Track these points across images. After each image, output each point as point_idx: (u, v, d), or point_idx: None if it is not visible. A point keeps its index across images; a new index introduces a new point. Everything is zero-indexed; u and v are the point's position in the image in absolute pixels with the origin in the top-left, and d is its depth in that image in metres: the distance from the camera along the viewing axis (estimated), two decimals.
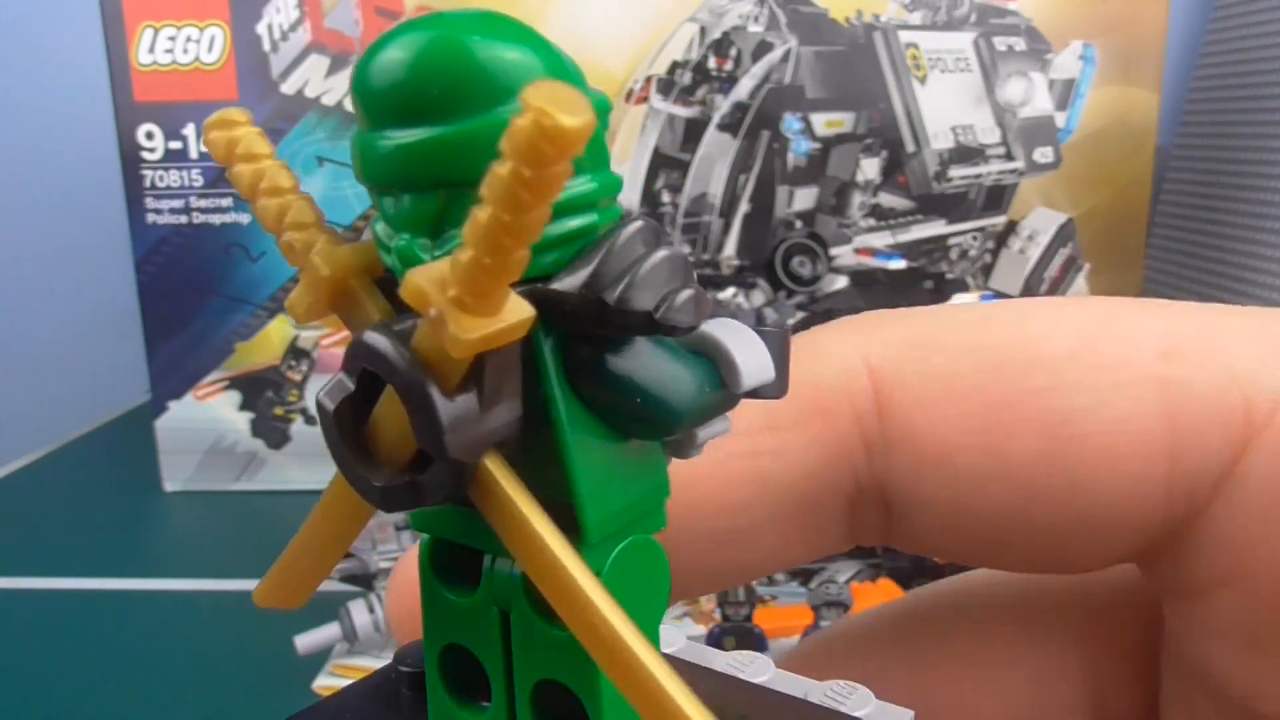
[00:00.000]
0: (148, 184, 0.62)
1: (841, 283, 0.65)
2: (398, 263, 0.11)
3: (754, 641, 0.43)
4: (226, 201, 0.62)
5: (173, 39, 0.60)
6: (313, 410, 0.64)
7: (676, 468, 0.12)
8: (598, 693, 0.11)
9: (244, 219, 0.62)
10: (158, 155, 0.61)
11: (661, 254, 0.11)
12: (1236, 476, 0.14)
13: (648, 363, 0.11)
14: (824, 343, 0.16)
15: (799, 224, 0.65)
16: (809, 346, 0.16)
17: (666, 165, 0.63)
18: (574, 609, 0.10)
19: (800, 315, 0.65)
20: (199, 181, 0.62)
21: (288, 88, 0.61)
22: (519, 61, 0.10)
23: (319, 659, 0.45)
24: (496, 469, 0.10)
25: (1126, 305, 0.16)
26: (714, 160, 0.63)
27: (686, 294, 0.10)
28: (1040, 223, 0.66)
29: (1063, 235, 0.66)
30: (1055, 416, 0.15)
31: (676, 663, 0.13)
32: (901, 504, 0.16)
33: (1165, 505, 0.15)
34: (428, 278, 0.09)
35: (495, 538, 0.11)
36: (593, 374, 0.11)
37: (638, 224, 0.11)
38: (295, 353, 0.64)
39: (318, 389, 0.12)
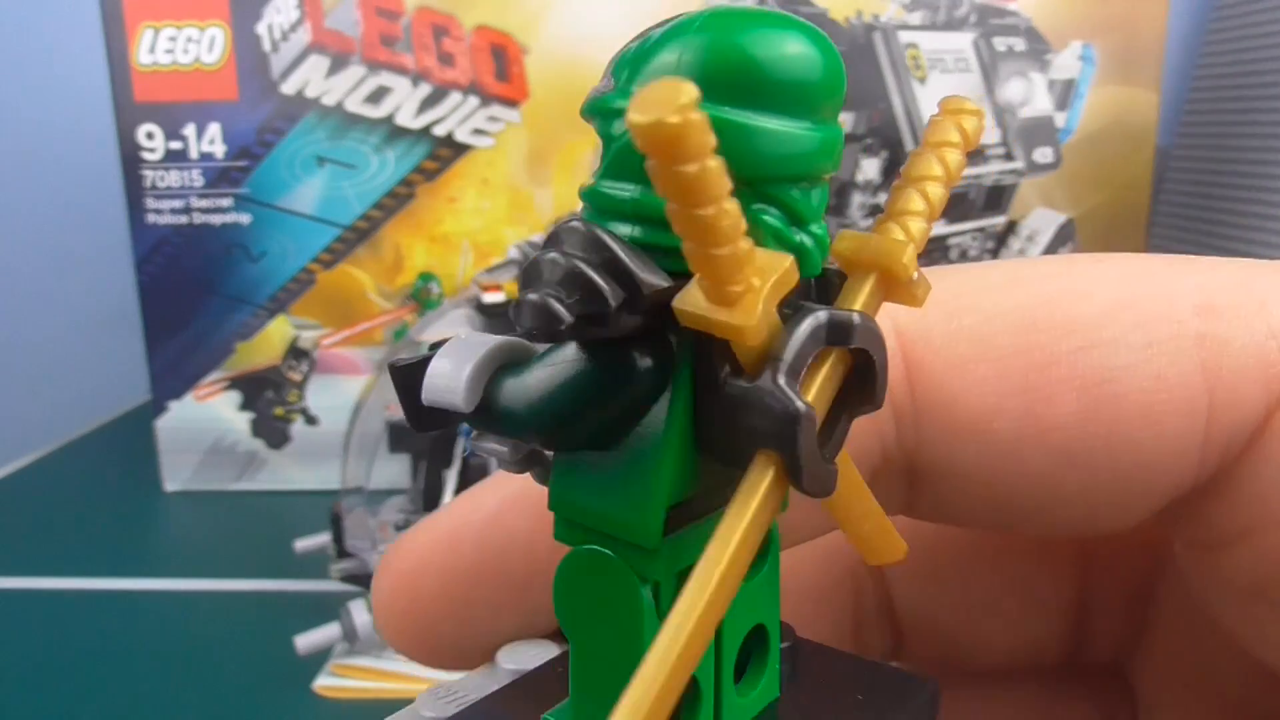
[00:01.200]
0: (148, 184, 0.62)
1: None
2: (817, 250, 0.12)
3: None
4: (226, 202, 0.62)
5: (173, 39, 0.60)
6: (313, 410, 0.64)
7: None
8: (776, 613, 0.13)
9: (244, 219, 0.62)
10: (158, 155, 0.61)
11: None
12: (1270, 431, 0.14)
13: None
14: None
15: None
16: None
17: None
18: (872, 519, 0.12)
19: None
20: (199, 182, 0.62)
21: (288, 88, 0.61)
22: None
23: (319, 659, 0.45)
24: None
25: (1161, 262, 0.15)
26: None
27: None
28: (1040, 223, 0.66)
29: (1062, 235, 0.66)
30: (1094, 376, 0.14)
31: None
32: (930, 474, 0.15)
33: (1199, 462, 0.14)
34: (909, 251, 0.12)
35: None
36: None
37: None
38: (295, 353, 0.64)
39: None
